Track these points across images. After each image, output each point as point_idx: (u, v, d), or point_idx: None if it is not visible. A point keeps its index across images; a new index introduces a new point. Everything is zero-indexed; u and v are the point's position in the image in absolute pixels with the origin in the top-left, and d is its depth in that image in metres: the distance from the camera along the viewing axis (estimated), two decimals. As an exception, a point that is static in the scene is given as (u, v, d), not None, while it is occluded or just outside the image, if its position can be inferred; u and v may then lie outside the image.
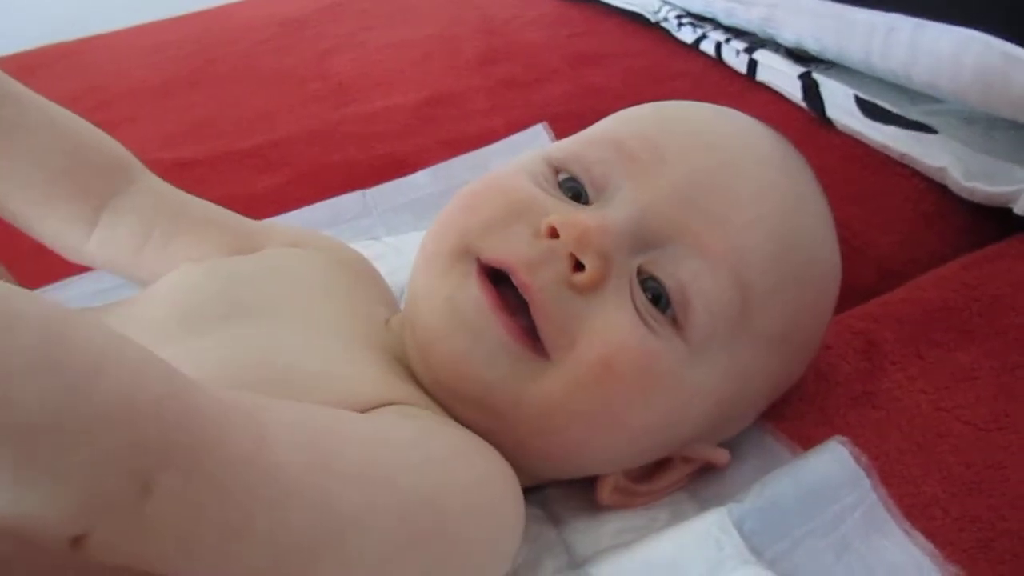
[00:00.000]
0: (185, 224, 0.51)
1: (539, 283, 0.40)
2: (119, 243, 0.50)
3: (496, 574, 0.39)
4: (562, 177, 0.45)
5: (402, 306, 0.57)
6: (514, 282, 0.41)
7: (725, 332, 0.42)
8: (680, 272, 0.41)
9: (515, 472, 0.41)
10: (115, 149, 0.51)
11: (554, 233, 0.41)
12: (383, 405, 0.40)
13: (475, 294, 0.41)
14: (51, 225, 0.49)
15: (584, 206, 0.44)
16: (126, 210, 0.50)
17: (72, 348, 0.22)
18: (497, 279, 0.42)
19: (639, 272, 0.42)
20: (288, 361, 0.41)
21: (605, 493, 0.45)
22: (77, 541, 0.23)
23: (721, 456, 0.47)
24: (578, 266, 0.41)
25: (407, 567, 0.33)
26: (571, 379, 0.40)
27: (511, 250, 0.41)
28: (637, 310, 0.41)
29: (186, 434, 0.25)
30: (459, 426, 0.42)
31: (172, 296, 0.46)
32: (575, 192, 0.45)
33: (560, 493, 0.48)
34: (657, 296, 0.42)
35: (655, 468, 0.47)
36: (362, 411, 0.39)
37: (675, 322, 0.42)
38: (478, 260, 0.42)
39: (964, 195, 0.69)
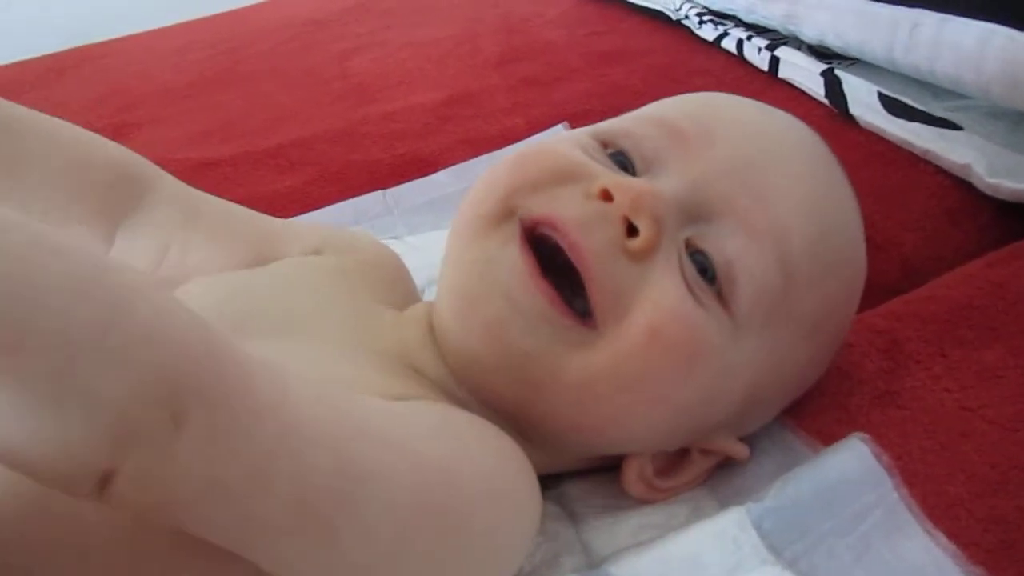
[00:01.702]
0: (201, 235, 0.50)
1: (591, 245, 0.40)
2: (136, 262, 0.48)
3: (511, 561, 0.39)
4: (610, 151, 0.45)
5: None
6: (563, 243, 0.40)
7: (766, 312, 0.42)
8: (727, 248, 0.41)
9: (538, 451, 0.41)
10: (124, 163, 0.50)
11: (607, 196, 0.41)
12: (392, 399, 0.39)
13: (515, 259, 0.40)
14: None
15: (633, 177, 0.44)
16: (141, 226, 0.49)
17: (117, 273, 0.23)
18: (536, 249, 0.41)
19: (686, 245, 0.42)
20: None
21: (632, 478, 0.45)
22: (104, 482, 0.23)
23: (741, 450, 0.47)
24: (631, 232, 0.40)
25: (421, 536, 0.33)
26: (617, 349, 0.40)
27: (561, 208, 0.41)
28: (686, 280, 0.41)
29: (217, 376, 0.25)
30: (473, 415, 0.41)
31: None
32: (623, 166, 0.45)
33: (578, 490, 0.48)
34: (703, 269, 0.41)
35: (675, 462, 0.46)
36: None
37: (720, 297, 0.41)
38: (521, 224, 0.41)
39: (988, 192, 0.68)
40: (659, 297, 0.40)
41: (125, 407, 0.22)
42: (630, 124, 0.46)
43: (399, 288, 0.54)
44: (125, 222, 0.49)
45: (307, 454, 0.28)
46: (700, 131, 0.44)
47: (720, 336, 0.41)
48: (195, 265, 0.49)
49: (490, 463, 0.38)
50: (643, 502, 0.46)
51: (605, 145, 0.46)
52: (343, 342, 0.45)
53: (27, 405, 0.21)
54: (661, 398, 0.41)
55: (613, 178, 0.41)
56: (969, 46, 0.68)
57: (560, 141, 0.46)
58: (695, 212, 0.42)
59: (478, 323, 0.41)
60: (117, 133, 0.50)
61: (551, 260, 0.41)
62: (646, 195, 0.40)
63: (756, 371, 0.43)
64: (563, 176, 0.42)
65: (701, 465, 0.46)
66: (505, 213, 0.42)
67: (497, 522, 0.37)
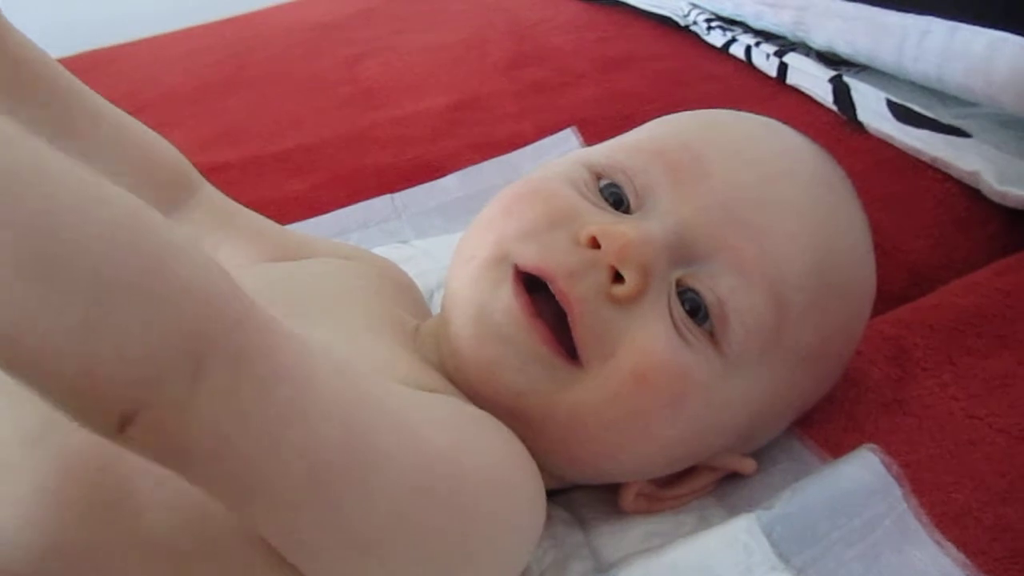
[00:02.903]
0: (235, 233, 0.53)
1: (578, 293, 0.40)
2: None
3: (515, 556, 0.39)
4: (603, 183, 0.45)
5: (434, 309, 0.58)
6: (552, 290, 0.41)
7: (760, 348, 0.42)
8: (718, 287, 0.41)
9: (543, 474, 0.41)
10: (180, 163, 0.53)
11: (595, 243, 0.41)
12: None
13: (508, 301, 0.41)
14: None
15: (625, 215, 0.44)
16: (181, 223, 0.52)
17: (166, 229, 0.24)
18: (531, 287, 0.42)
19: (677, 284, 0.42)
20: None
21: (628, 500, 0.46)
22: (124, 423, 0.24)
23: (748, 466, 0.47)
24: (617, 278, 0.41)
25: (424, 519, 0.33)
26: (605, 389, 0.40)
27: (550, 258, 0.41)
28: (674, 322, 0.41)
29: (246, 340, 0.26)
30: (488, 413, 0.42)
31: None
32: (616, 198, 0.45)
33: (587, 496, 0.48)
34: (695, 309, 0.42)
35: (681, 474, 0.47)
36: None
37: (711, 336, 0.42)
38: (515, 267, 0.42)
39: (997, 199, 0.68)
40: (644, 341, 0.40)
41: (153, 352, 0.23)
42: (624, 155, 0.46)
43: (417, 299, 0.55)
44: (171, 216, 0.51)
45: (319, 426, 0.28)
46: (695, 163, 0.44)
47: (709, 375, 0.41)
48: (228, 259, 0.51)
49: (497, 456, 0.39)
50: (644, 514, 0.47)
51: (599, 177, 0.46)
52: (378, 334, 0.45)
53: (63, 326, 0.22)
54: (650, 436, 0.42)
55: (601, 225, 0.42)
56: (979, 54, 0.68)
57: (551, 179, 0.46)
58: (687, 252, 0.42)
59: (474, 363, 0.42)
60: None
61: (548, 297, 0.41)
62: (633, 244, 0.40)
63: (753, 403, 0.44)
64: (554, 222, 0.43)
65: (706, 478, 0.47)
66: (499, 258, 0.43)
67: (501, 513, 0.37)
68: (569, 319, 0.40)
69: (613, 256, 0.40)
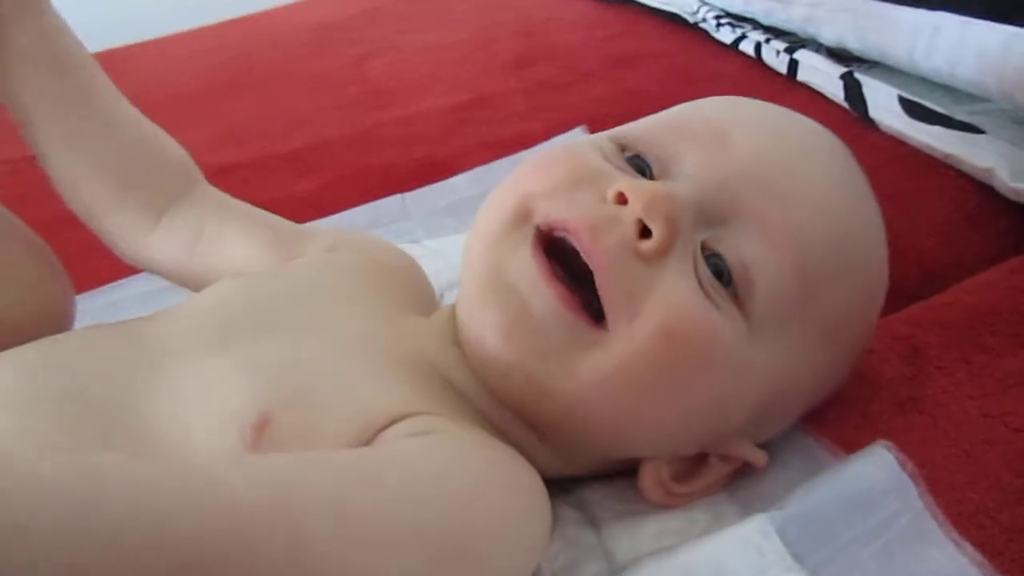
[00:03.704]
0: (233, 222, 0.54)
1: (603, 247, 0.40)
2: (176, 240, 0.54)
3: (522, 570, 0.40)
4: (628, 155, 0.46)
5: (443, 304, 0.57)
6: (576, 246, 0.40)
7: (782, 315, 0.42)
8: (743, 251, 0.41)
9: (556, 454, 0.42)
10: (186, 158, 0.56)
11: (622, 199, 0.41)
12: (401, 417, 0.40)
13: (527, 262, 0.41)
14: (116, 221, 0.54)
15: (651, 180, 0.44)
16: (182, 215, 0.54)
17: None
18: (553, 252, 0.42)
19: (702, 248, 0.42)
20: (310, 381, 0.41)
21: (649, 483, 0.45)
22: None
23: (759, 457, 0.46)
24: (644, 233, 0.40)
25: None
26: (630, 348, 0.40)
27: (576, 212, 0.41)
28: (700, 282, 0.41)
29: (216, 547, 0.27)
30: (479, 435, 0.42)
31: (205, 314, 0.46)
32: (640, 169, 0.45)
33: (597, 495, 0.48)
34: (719, 272, 0.41)
35: (693, 468, 0.46)
36: (384, 426, 0.39)
37: (736, 299, 0.41)
38: (537, 228, 0.42)
39: (1011, 196, 0.68)
40: (671, 297, 0.40)
41: None
42: (648, 128, 0.46)
43: (418, 291, 0.55)
44: (172, 207, 0.54)
45: None
46: (717, 134, 0.44)
47: (735, 337, 0.41)
48: (227, 247, 0.53)
49: (500, 499, 0.38)
50: (661, 507, 0.46)
51: (623, 149, 0.46)
52: (366, 349, 0.45)
53: None
54: (674, 399, 0.41)
55: (628, 181, 0.42)
56: (992, 50, 0.67)
57: (579, 145, 0.46)
58: (711, 215, 0.42)
59: (493, 326, 0.42)
60: None
61: (569, 264, 0.41)
62: (660, 197, 0.40)
63: (772, 375, 0.43)
64: (580, 180, 0.43)
65: (719, 471, 0.46)
66: (523, 217, 0.43)
67: (503, 561, 0.38)
68: (595, 275, 0.40)
69: (640, 208, 0.40)
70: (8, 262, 0.49)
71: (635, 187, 0.41)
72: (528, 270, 0.41)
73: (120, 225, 0.54)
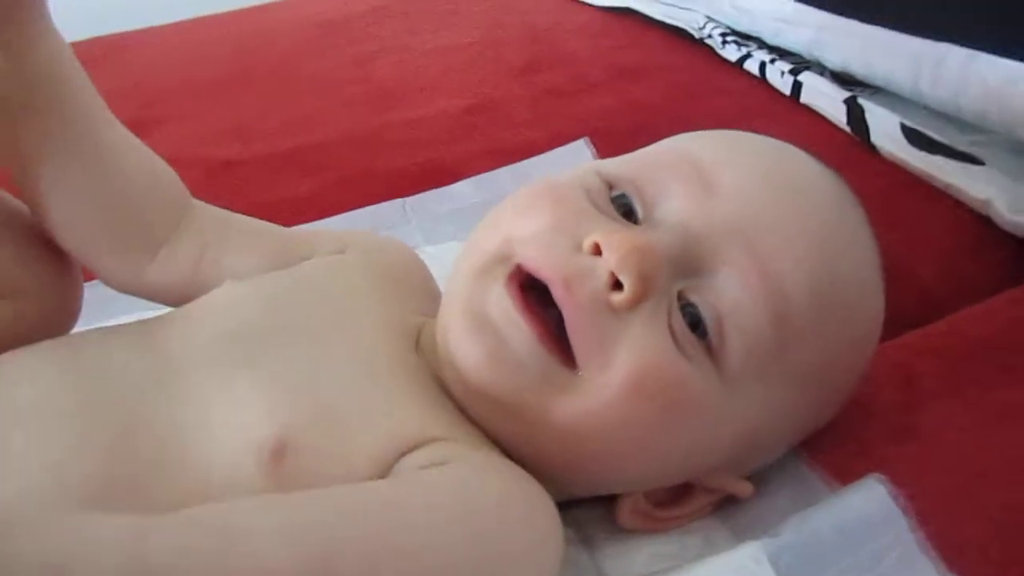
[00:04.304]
0: (234, 235, 0.52)
1: (576, 298, 0.41)
2: (176, 268, 0.49)
3: None
4: (615, 193, 0.46)
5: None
6: (552, 295, 0.41)
7: (758, 366, 0.42)
8: (720, 301, 0.42)
9: (544, 483, 0.42)
10: (177, 180, 0.51)
11: (597, 250, 0.41)
12: (418, 444, 0.41)
13: (502, 295, 0.42)
14: (113, 260, 0.49)
15: (633, 225, 0.44)
16: (183, 238, 0.50)
17: None
18: (531, 285, 0.42)
19: (679, 297, 0.42)
20: (330, 402, 0.42)
21: (624, 514, 0.46)
22: None
23: (743, 488, 0.47)
24: (617, 285, 0.41)
25: None
26: (600, 396, 0.41)
27: (551, 262, 0.42)
28: (673, 333, 0.41)
29: None
30: (493, 459, 0.42)
31: (216, 319, 0.46)
32: (627, 209, 0.45)
33: (593, 515, 0.48)
34: (696, 322, 0.42)
35: (677, 494, 0.47)
36: (404, 452, 0.40)
37: (710, 350, 0.42)
38: (516, 265, 0.43)
39: (1009, 228, 0.68)
40: (641, 349, 0.40)
41: None
42: (637, 167, 0.46)
43: (425, 292, 0.54)
44: (171, 239, 0.49)
45: None
46: (704, 178, 0.44)
47: (706, 388, 0.42)
48: (231, 261, 0.50)
49: (519, 532, 0.39)
50: (641, 532, 0.47)
51: (611, 186, 0.46)
52: (372, 356, 0.45)
53: None
54: (647, 445, 0.42)
55: (604, 232, 0.42)
56: (995, 83, 0.68)
57: (565, 185, 0.46)
58: (691, 264, 0.42)
59: (467, 358, 0.42)
60: (137, 129, 0.50)
61: (546, 298, 0.41)
62: (633, 252, 0.41)
63: (749, 420, 0.44)
64: (559, 226, 0.43)
65: (703, 499, 0.47)
66: (503, 256, 0.43)
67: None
68: (567, 324, 0.41)
69: (613, 263, 0.40)
70: (18, 256, 0.47)
71: (611, 240, 0.41)
72: (505, 304, 0.42)
73: (118, 265, 0.49)
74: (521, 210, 0.45)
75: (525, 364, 0.41)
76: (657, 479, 0.45)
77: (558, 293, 0.41)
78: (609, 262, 0.41)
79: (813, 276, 0.43)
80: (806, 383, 0.45)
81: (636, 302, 0.41)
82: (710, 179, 0.44)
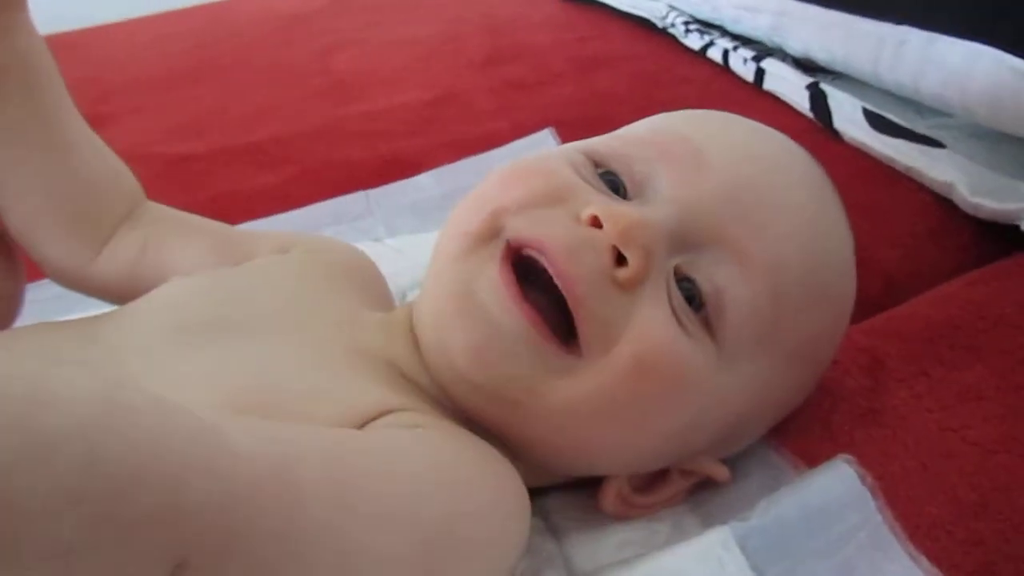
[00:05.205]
0: (177, 231, 0.52)
1: (579, 274, 0.39)
2: (117, 264, 0.50)
3: None
4: (601, 171, 0.44)
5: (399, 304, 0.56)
6: (551, 270, 0.39)
7: (754, 340, 0.42)
8: (717, 276, 0.41)
9: (522, 467, 0.41)
10: (131, 181, 0.53)
11: (596, 223, 0.40)
12: (381, 414, 0.39)
13: (496, 281, 0.40)
14: (59, 251, 0.50)
15: (624, 200, 0.43)
16: (126, 234, 0.51)
17: (108, 460, 0.23)
18: (523, 273, 0.40)
19: (675, 272, 0.41)
20: (277, 380, 0.40)
21: (609, 499, 0.45)
22: None
23: (721, 472, 0.46)
24: (619, 261, 0.39)
25: None
26: (603, 378, 0.39)
27: (549, 232, 0.40)
28: (673, 310, 0.40)
29: (220, 517, 0.26)
30: (462, 432, 0.41)
31: (161, 312, 0.45)
32: (613, 186, 0.44)
33: (560, 503, 0.48)
34: (690, 297, 0.41)
35: (654, 480, 0.46)
36: (360, 424, 0.38)
37: (707, 325, 0.41)
38: (506, 244, 0.41)
39: (970, 211, 0.69)
40: (646, 328, 0.39)
41: (128, 570, 0.23)
42: (622, 144, 0.45)
43: (374, 289, 0.53)
44: (116, 234, 0.51)
45: (311, 559, 0.29)
46: (693, 154, 0.43)
47: (706, 365, 0.41)
48: (172, 257, 0.51)
49: (488, 494, 0.38)
50: (619, 519, 0.46)
51: (596, 164, 0.45)
52: (324, 344, 0.44)
53: None
54: (645, 426, 0.41)
55: (603, 205, 0.41)
56: (955, 65, 0.68)
57: (551, 157, 0.45)
58: (685, 240, 0.41)
59: (459, 345, 0.40)
60: (92, 124, 0.50)
61: (532, 277, 0.40)
62: (636, 225, 0.39)
63: (742, 398, 0.43)
64: (553, 197, 0.42)
65: (680, 484, 0.46)
66: (491, 232, 0.42)
67: (489, 555, 0.38)
68: (572, 306, 0.39)
69: (616, 236, 0.39)
70: None
71: (611, 212, 0.40)
72: (498, 290, 0.40)
73: (63, 255, 0.50)
74: (509, 183, 0.43)
75: (520, 353, 0.39)
76: (647, 462, 0.44)
77: (560, 266, 0.39)
78: (610, 236, 0.39)
79: (804, 250, 0.43)
80: (794, 360, 0.44)
81: (641, 278, 0.39)
82: (699, 156, 0.43)
